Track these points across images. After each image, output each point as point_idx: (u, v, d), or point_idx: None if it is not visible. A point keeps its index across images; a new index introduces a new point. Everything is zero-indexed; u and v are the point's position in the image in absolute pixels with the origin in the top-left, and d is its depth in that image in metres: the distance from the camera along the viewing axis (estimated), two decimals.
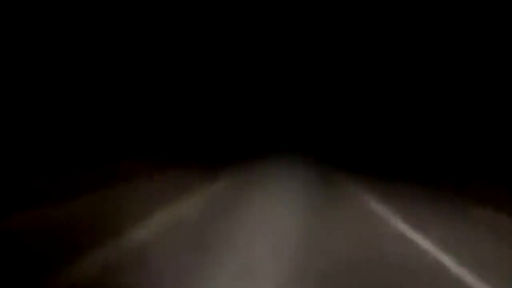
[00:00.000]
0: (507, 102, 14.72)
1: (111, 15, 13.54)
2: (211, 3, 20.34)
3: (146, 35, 16.25)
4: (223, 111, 24.79)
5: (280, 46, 27.71)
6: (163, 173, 9.58)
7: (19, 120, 9.72)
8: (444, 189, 10.12)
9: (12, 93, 9.97)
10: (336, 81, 28.64)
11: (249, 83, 28.20)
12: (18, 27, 10.30)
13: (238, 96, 27.03)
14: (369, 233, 5.88)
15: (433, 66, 19.22)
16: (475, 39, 16.50)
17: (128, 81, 14.99)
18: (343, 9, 24.02)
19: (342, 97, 28.83)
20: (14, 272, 3.35)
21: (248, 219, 6.16)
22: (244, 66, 26.76)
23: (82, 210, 5.53)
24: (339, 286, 3.73)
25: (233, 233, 5.26)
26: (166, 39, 17.92)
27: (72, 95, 11.95)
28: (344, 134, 27.10)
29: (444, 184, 11.03)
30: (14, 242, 4.08)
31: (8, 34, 9.98)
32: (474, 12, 16.17)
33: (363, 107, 26.67)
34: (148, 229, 5.06)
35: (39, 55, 11.04)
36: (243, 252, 4.49)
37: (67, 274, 3.43)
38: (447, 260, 4.67)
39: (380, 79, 24.09)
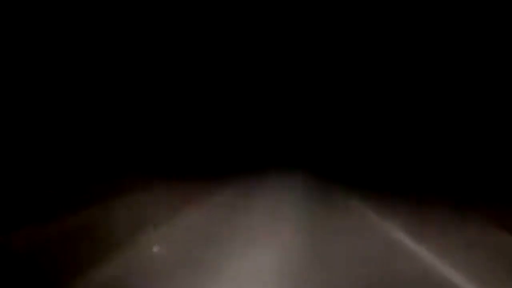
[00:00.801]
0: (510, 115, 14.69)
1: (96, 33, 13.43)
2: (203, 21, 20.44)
3: (145, 50, 16.36)
4: (223, 126, 24.87)
5: (278, 61, 27.92)
6: (164, 186, 9.59)
7: (26, 137, 9.71)
8: (448, 204, 10.06)
9: (20, 107, 9.98)
10: (336, 94, 28.82)
11: (249, 98, 28.38)
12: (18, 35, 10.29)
13: (238, 111, 27.14)
14: (371, 248, 5.84)
15: (433, 79, 19.29)
16: (474, 55, 16.58)
17: (131, 102, 15.05)
18: (346, 28, 24.21)
19: (342, 111, 28.98)
20: (18, 284, 3.34)
21: (248, 234, 6.13)
22: (242, 81, 26.94)
23: (86, 223, 5.53)
24: None
25: (232, 246, 5.23)
26: (166, 47, 18.05)
27: (78, 116, 11.99)
28: (344, 148, 27.13)
29: (447, 199, 10.96)
30: (18, 254, 4.08)
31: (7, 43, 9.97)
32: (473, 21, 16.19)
33: (363, 123, 26.76)
34: (149, 241, 5.05)
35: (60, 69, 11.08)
36: (243, 266, 4.45)
37: (72, 285, 3.42)
38: (453, 275, 4.61)
39: (382, 91, 24.20)
